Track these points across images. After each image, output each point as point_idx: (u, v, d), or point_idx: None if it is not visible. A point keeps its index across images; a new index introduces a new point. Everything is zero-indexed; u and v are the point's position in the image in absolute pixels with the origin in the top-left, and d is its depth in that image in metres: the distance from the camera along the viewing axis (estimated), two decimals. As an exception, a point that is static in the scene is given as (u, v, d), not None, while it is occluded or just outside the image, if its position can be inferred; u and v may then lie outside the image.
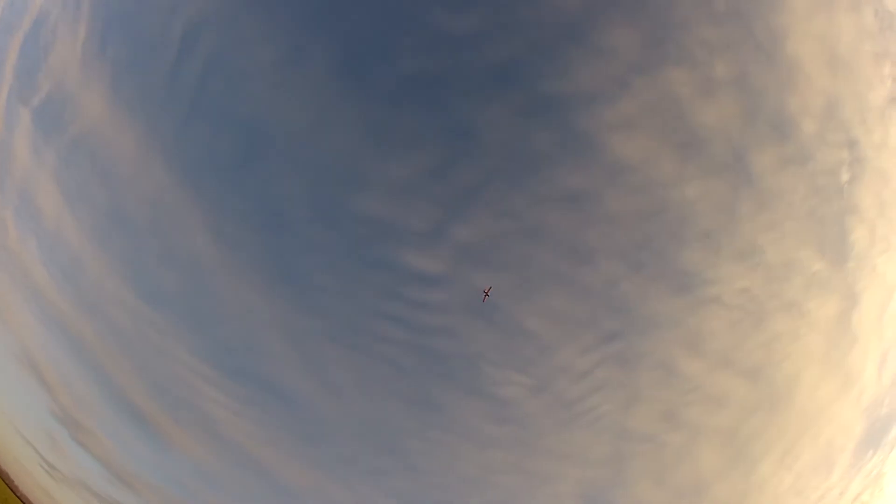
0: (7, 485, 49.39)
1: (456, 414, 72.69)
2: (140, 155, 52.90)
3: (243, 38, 56.36)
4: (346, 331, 67.35)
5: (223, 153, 57.27)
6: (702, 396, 78.39)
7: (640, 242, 69.87)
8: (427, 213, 63.55)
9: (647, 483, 79.73)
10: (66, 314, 53.80)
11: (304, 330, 66.86)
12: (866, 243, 71.71)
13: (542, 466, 74.63)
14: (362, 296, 65.59)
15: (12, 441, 53.46)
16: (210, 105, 56.45)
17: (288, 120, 56.16)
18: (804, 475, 77.47)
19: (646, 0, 63.30)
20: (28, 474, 52.69)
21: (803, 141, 66.03)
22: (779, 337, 75.90)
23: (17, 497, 48.76)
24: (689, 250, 71.22)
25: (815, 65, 64.03)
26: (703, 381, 76.65)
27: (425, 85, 60.53)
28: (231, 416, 63.74)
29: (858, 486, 72.26)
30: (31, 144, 53.30)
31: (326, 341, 68.25)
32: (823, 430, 76.10)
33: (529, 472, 74.10)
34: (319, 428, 69.42)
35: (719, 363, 76.69)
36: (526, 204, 64.30)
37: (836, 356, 75.92)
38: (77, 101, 51.74)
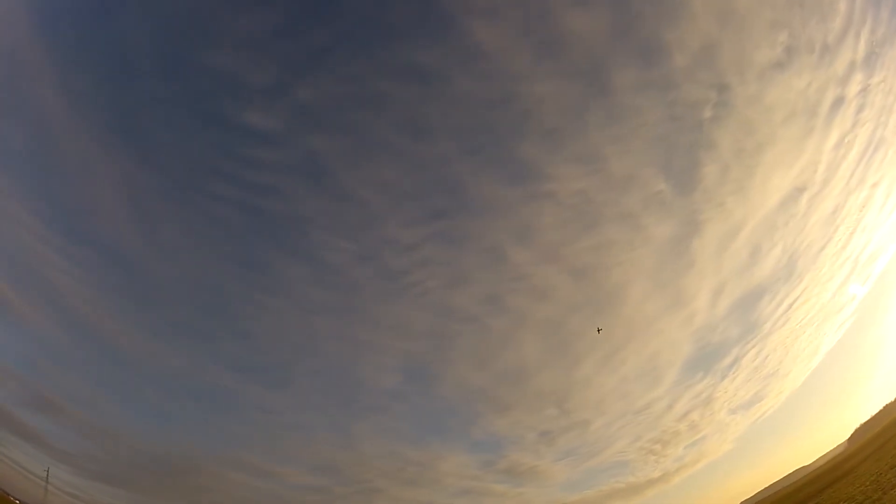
0: None
1: (284, 277, 71.07)
2: None
3: None
4: (181, 188, 65.33)
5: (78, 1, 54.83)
6: (527, 286, 76.74)
7: (481, 127, 67.50)
8: (271, 70, 61.20)
9: (471, 362, 77.65)
10: None
11: (141, 188, 65.11)
12: (717, 179, 70.34)
13: (367, 336, 73.81)
14: (200, 152, 63.60)
15: None
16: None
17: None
18: (629, 381, 76.95)
19: None
20: None
21: (670, 71, 64.30)
22: (611, 243, 74.39)
23: None
24: (529, 143, 69.25)
25: (703, 9, 61.63)
26: (530, 271, 75.07)
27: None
28: (71, 281, 62.58)
29: (687, 404, 72.66)
30: None
31: (162, 200, 66.46)
32: (650, 342, 75.58)
33: (355, 340, 73.19)
34: (153, 291, 68.19)
35: (547, 257, 75.10)
36: (371, 72, 62.12)
37: (670, 275, 74.88)
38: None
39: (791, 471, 75.99)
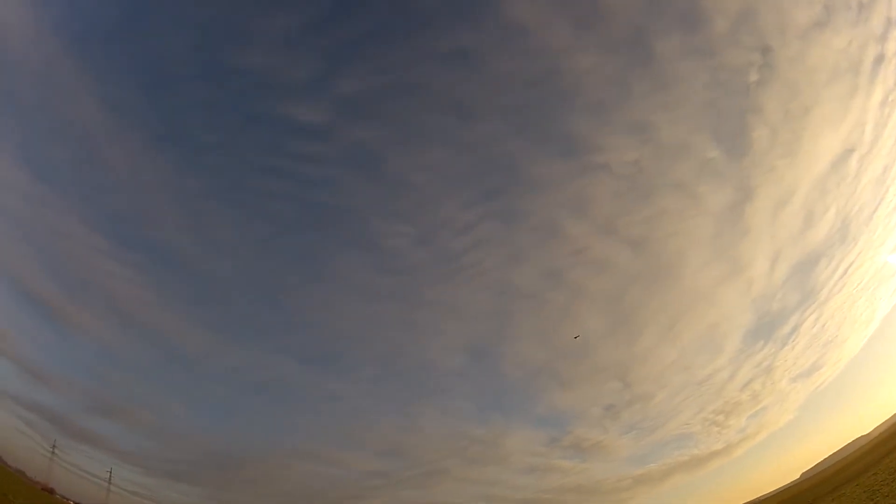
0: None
1: (342, 266, 71.80)
2: (28, 28, 51.29)
3: None
4: (232, 188, 66.55)
5: (110, 14, 55.46)
6: (585, 259, 75.43)
7: (527, 104, 66.46)
8: (310, 65, 61.63)
9: (532, 339, 76.75)
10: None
11: (191, 190, 66.02)
12: (767, 144, 68.02)
13: (428, 319, 73.41)
14: (246, 151, 64.57)
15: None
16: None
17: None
18: (690, 352, 75.07)
19: None
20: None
21: (712, 36, 62.45)
22: (666, 213, 72.50)
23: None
24: (578, 117, 67.90)
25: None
26: (586, 244, 73.74)
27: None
28: (127, 286, 63.53)
29: (749, 373, 70.55)
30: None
31: (213, 200, 67.50)
32: (709, 312, 73.57)
33: (416, 324, 72.86)
34: (211, 290, 69.25)
35: (603, 229, 73.61)
36: (410, 59, 61.99)
37: (726, 243, 72.95)
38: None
39: (849, 441, 74.25)
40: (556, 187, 70.68)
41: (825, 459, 73.63)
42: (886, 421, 71.34)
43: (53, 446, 55.40)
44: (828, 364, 73.35)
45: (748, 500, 72.68)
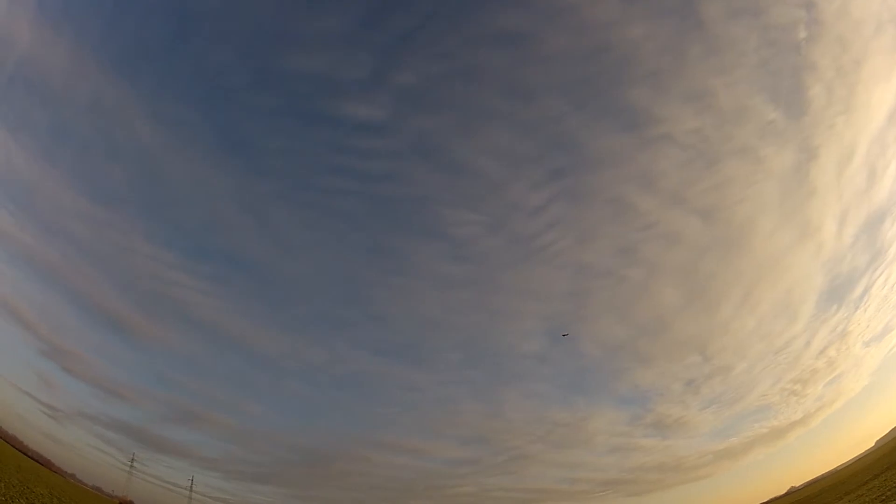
0: (14, 446, 48.36)
1: (415, 258, 71.49)
2: (73, 62, 52.03)
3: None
4: (299, 189, 66.64)
5: (153, 36, 56.14)
6: (657, 233, 74.20)
7: (583, 80, 65.10)
8: (365, 61, 61.24)
9: (610, 317, 75.29)
10: (29, 245, 54.51)
11: (256, 195, 66.12)
12: (824, 101, 65.72)
13: (505, 303, 70.54)
14: (311, 152, 64.46)
15: (10, 398, 53.86)
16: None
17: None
18: (767, 320, 72.88)
19: None
20: (31, 426, 53.34)
21: None
22: (733, 180, 70.64)
23: (28, 456, 47.42)
24: (635, 88, 65.20)
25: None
26: (657, 217, 72.09)
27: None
28: (199, 296, 64.18)
29: (824, 339, 67.74)
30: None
31: (280, 203, 67.49)
32: (783, 278, 71.35)
33: (493, 309, 69.33)
34: (286, 291, 69.86)
35: (672, 201, 71.79)
36: (463, 46, 60.96)
37: (793, 206, 70.51)
38: (7, 34, 50.95)
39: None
40: (622, 161, 69.83)
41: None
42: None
43: (132, 460, 56.67)
44: (898, 326, 71.43)
45: (826, 470, 70.86)
